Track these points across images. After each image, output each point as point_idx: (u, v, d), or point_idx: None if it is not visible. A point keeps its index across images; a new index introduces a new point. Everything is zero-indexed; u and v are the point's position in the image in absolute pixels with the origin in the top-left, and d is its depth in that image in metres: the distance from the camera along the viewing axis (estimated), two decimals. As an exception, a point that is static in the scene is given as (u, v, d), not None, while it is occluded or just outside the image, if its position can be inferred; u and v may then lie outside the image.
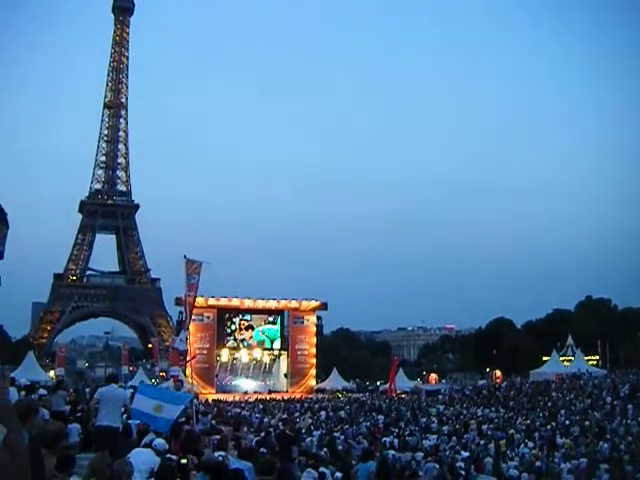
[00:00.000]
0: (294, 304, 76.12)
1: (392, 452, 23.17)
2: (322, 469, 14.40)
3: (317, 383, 76.19)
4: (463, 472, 19.49)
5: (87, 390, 41.72)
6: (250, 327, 74.65)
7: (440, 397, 56.18)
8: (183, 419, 17.27)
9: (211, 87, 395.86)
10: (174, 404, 12.48)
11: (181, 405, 12.64)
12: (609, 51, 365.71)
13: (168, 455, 9.56)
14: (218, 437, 13.38)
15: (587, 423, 34.72)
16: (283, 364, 76.17)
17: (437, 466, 19.40)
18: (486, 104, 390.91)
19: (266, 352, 75.31)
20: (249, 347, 74.14)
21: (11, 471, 1.68)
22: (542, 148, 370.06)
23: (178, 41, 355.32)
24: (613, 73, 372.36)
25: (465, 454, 24.46)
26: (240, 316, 74.63)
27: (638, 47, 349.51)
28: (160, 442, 10.45)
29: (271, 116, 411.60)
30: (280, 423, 33.67)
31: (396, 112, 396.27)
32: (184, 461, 8.68)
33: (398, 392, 63.50)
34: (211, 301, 69.56)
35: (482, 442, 28.64)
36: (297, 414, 42.10)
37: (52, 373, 74.45)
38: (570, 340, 78.31)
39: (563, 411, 40.03)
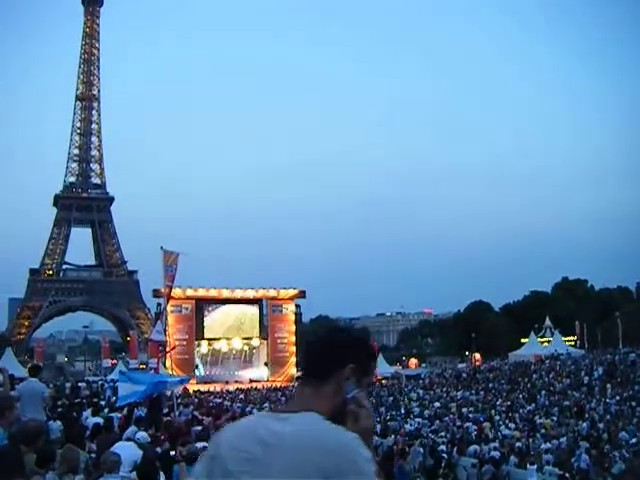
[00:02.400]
0: (272, 293, 76.00)
1: (375, 437, 23.23)
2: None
3: (297, 371, 76.18)
4: (445, 455, 19.59)
5: (67, 385, 41.64)
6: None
7: (420, 381, 56.48)
8: (166, 410, 17.28)
9: (184, 75, 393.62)
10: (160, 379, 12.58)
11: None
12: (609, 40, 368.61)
13: (158, 449, 9.55)
14: (200, 428, 13.39)
15: (566, 403, 35.04)
16: (263, 353, 76.12)
17: (422, 450, 19.50)
18: (480, 92, 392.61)
19: (245, 341, 75.22)
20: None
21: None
22: (521, 132, 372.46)
23: (150, 31, 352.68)
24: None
25: (446, 438, 24.61)
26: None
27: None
28: (142, 435, 10.44)
29: (251, 106, 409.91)
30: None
31: (374, 97, 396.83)
32: (172, 453, 8.68)
33: (379, 377, 63.66)
34: (189, 292, 69.32)
35: (463, 425, 28.82)
36: (279, 404, 42.14)
37: (30, 366, 73.94)
38: (548, 321, 78.90)
39: (543, 392, 40.36)
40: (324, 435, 1.97)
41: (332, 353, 2.19)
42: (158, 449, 9.81)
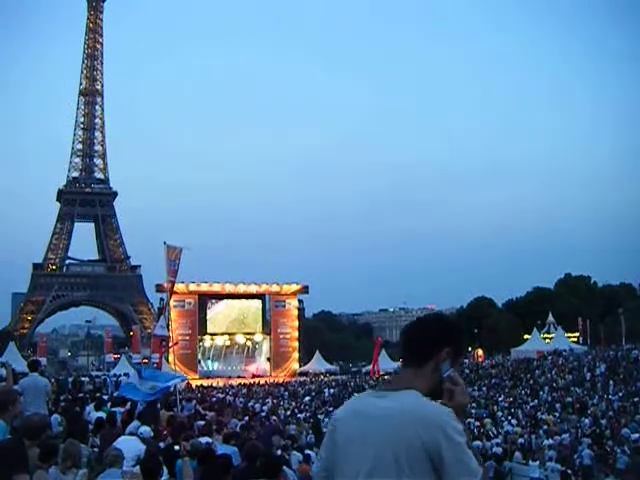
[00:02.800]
0: (275, 288, 76.09)
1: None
2: (307, 451, 14.45)
3: (300, 366, 76.28)
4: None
5: (70, 380, 41.73)
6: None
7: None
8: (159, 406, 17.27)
9: (189, 70, 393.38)
10: (166, 381, 12.63)
11: (173, 380, 12.75)
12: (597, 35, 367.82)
13: (160, 444, 9.56)
14: (202, 423, 13.39)
15: (569, 399, 35.04)
16: (265, 348, 76.23)
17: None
18: (470, 87, 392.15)
19: (248, 337, 75.30)
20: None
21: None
22: (524, 131, 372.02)
23: (153, 25, 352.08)
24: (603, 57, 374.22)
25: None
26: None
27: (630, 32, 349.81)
28: (145, 430, 10.45)
29: (251, 99, 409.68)
30: (264, 407, 33.83)
31: (372, 96, 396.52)
32: (177, 447, 8.69)
33: (381, 373, 63.70)
34: (192, 287, 69.44)
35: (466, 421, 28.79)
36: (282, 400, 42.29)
37: (29, 361, 74.04)
38: (551, 318, 78.85)
39: (546, 388, 40.36)
40: (422, 409, 2.35)
41: (431, 337, 2.55)
42: (161, 444, 9.83)
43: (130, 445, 8.47)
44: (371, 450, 2.36)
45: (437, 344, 2.52)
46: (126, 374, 51.90)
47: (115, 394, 12.80)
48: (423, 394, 2.40)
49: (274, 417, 25.84)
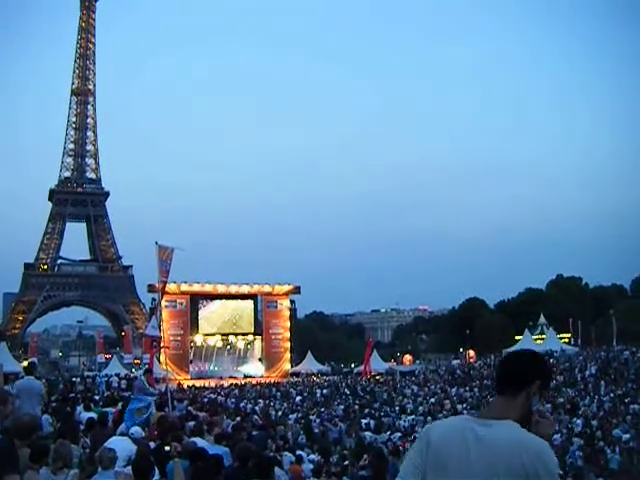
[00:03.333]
0: (267, 288, 76.00)
1: (369, 434, 23.27)
2: (299, 452, 14.47)
3: (292, 367, 76.22)
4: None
5: (61, 380, 41.59)
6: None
7: (414, 378, 56.50)
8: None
9: (182, 70, 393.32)
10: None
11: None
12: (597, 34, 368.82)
13: (152, 444, 9.54)
14: (194, 423, 13.37)
15: (560, 400, 35.11)
16: (257, 349, 76.13)
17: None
18: (470, 87, 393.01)
19: (240, 337, 75.21)
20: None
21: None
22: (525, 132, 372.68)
23: (145, 25, 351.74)
24: (603, 56, 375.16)
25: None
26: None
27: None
28: (137, 430, 10.42)
29: (244, 99, 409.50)
30: (256, 408, 33.79)
31: (375, 96, 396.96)
32: (167, 448, 8.66)
33: (373, 374, 63.70)
34: (184, 287, 69.29)
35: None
36: (273, 400, 42.24)
37: (25, 363, 73.83)
38: (542, 319, 78.95)
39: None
40: (526, 440, 2.64)
41: (525, 372, 2.87)
42: (152, 444, 9.81)
43: (121, 445, 8.45)
44: (477, 473, 2.62)
45: (530, 378, 2.84)
46: (117, 374, 51.96)
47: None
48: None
49: (256, 416, 25.78)
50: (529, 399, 2.80)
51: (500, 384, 2.90)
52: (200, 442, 9.55)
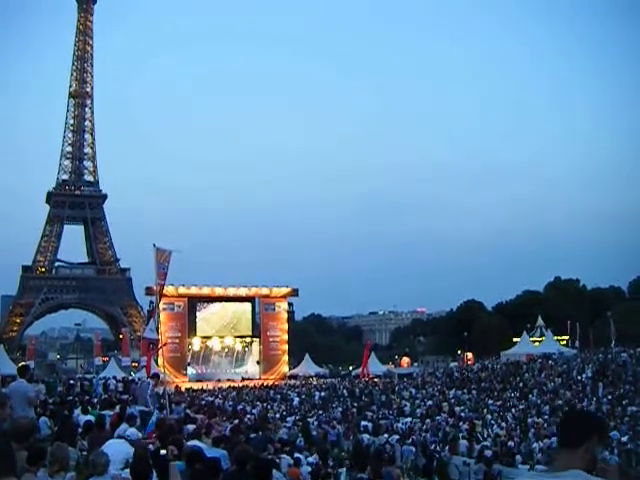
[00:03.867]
0: (265, 291, 75.99)
1: (367, 436, 23.27)
2: (297, 455, 14.46)
3: (290, 369, 76.23)
4: (437, 454, 19.61)
5: (59, 383, 41.49)
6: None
7: (412, 380, 56.49)
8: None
9: (181, 70, 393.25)
10: None
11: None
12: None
13: (151, 446, 9.50)
14: (193, 426, 13.36)
15: (558, 402, 35.12)
16: (255, 351, 76.10)
17: (413, 449, 19.53)
18: (470, 88, 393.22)
19: (238, 339, 75.18)
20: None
21: None
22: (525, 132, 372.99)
23: (145, 26, 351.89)
24: (603, 57, 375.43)
25: (438, 437, 24.62)
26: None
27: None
28: (133, 432, 10.41)
29: (241, 103, 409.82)
30: (254, 410, 33.77)
31: (375, 96, 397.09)
32: (163, 452, 8.64)
33: (371, 376, 63.73)
34: (182, 290, 69.28)
35: (455, 423, 28.83)
36: (271, 403, 42.21)
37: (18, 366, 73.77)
38: (540, 321, 78.96)
39: (535, 391, 40.44)
40: None
41: (586, 427, 3.32)
42: (151, 446, 9.80)
43: (119, 448, 8.44)
44: None
45: (589, 433, 3.27)
46: (114, 377, 51.87)
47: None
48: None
49: (248, 416, 25.77)
50: (589, 450, 3.22)
51: (563, 439, 3.39)
52: (198, 444, 9.54)
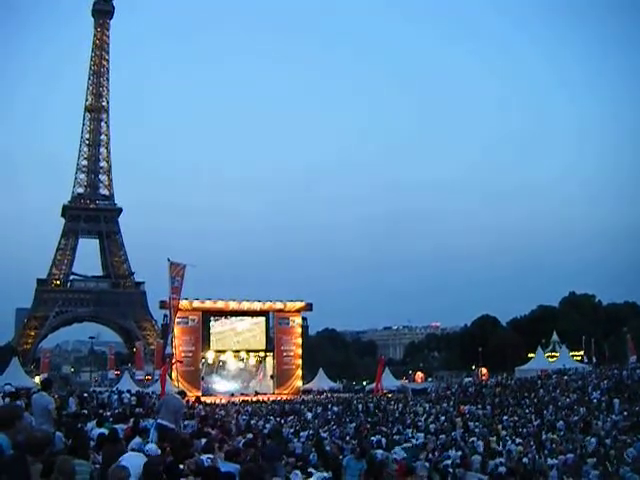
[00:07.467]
0: (279, 305, 75.97)
1: (380, 451, 23.14)
2: (310, 470, 14.38)
3: (303, 384, 76.08)
4: (450, 470, 19.47)
5: (72, 397, 41.50)
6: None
7: (426, 396, 56.26)
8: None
9: (194, 86, 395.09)
10: None
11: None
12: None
13: (168, 460, 9.48)
14: (205, 440, 13.33)
15: (574, 418, 34.87)
16: (269, 366, 76.00)
17: (427, 465, 19.39)
18: (486, 105, 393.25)
19: (252, 354, 75.13)
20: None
21: None
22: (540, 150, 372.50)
23: (159, 41, 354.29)
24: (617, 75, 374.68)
25: (452, 453, 24.45)
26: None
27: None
28: (152, 447, 10.38)
29: (256, 118, 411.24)
30: (267, 425, 33.68)
31: (385, 113, 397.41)
32: (181, 466, 8.63)
33: (385, 391, 63.53)
34: (196, 304, 69.33)
35: (470, 439, 28.66)
36: (285, 417, 42.12)
37: (37, 379, 74.07)
38: (555, 336, 78.70)
39: (550, 407, 40.17)
40: None
41: None
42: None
43: (136, 462, 8.42)
44: None
45: None
46: (129, 390, 51.96)
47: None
48: None
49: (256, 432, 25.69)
50: None
51: None
52: (211, 458, 9.52)
